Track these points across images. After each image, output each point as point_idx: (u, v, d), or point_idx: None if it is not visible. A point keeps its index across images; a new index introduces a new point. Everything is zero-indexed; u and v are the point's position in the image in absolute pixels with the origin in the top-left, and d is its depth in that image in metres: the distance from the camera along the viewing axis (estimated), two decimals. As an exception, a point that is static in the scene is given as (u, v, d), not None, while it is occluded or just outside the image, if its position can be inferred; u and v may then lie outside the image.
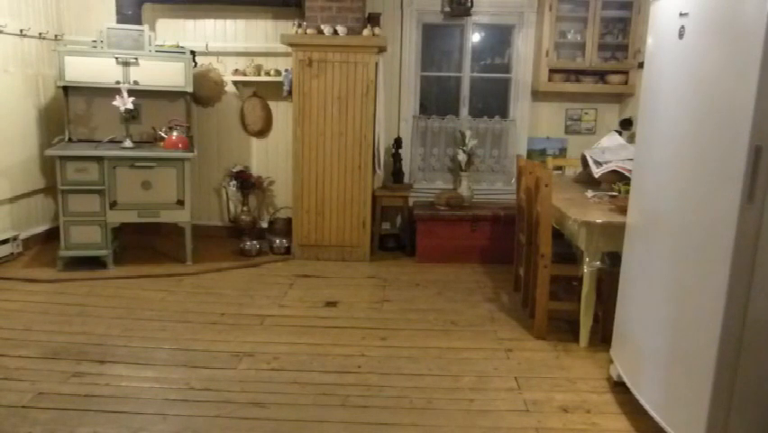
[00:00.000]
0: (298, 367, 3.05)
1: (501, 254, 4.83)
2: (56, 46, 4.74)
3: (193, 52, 4.84)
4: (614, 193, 3.56)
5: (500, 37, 5.43)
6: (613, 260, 3.18)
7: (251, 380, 2.91)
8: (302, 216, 4.87)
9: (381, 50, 4.75)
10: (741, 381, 2.03)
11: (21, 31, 4.58)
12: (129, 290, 4.08)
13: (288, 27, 4.92)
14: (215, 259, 4.80)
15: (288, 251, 4.98)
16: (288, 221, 5.06)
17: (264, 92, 5.25)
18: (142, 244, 5.08)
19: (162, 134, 4.62)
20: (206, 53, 5.18)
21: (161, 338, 3.34)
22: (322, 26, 4.64)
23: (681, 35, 2.30)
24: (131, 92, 4.44)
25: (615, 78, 5.06)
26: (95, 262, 4.42)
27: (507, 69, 5.39)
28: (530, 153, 5.36)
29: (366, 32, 4.66)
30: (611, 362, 2.92)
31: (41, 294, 3.96)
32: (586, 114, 5.37)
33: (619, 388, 2.80)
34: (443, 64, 5.53)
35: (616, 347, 2.90)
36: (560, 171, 5.04)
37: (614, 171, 3.73)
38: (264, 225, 5.41)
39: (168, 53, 4.71)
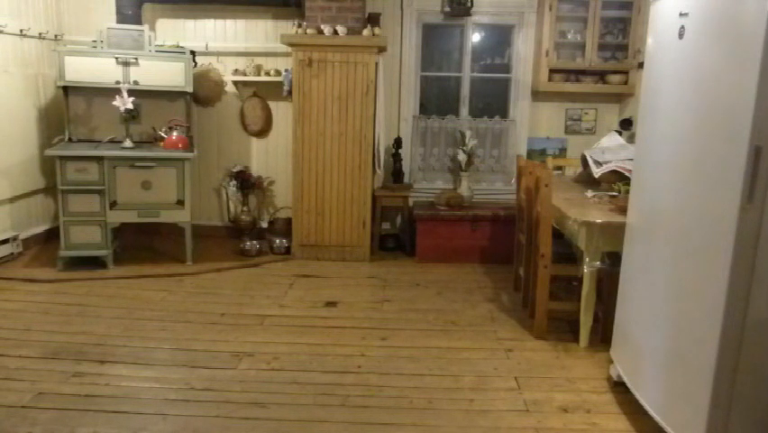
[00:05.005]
0: (298, 367, 3.05)
1: (501, 254, 4.83)
2: (56, 46, 4.75)
3: (193, 52, 4.84)
4: (614, 193, 3.56)
5: (500, 37, 5.42)
6: (613, 260, 3.18)
7: (251, 380, 2.91)
8: (302, 216, 4.87)
9: (381, 50, 4.75)
10: (741, 381, 2.03)
11: (21, 31, 4.59)
12: (129, 290, 4.08)
13: (288, 27, 4.93)
14: (215, 259, 4.80)
15: (288, 251, 4.98)
16: (288, 221, 5.06)
17: (264, 92, 5.25)
18: (142, 244, 5.09)
19: (162, 134, 4.62)
20: (206, 53, 5.18)
21: (161, 338, 3.34)
22: (322, 26, 4.64)
23: (681, 35, 2.30)
24: (131, 92, 4.44)
25: (615, 78, 5.06)
26: (95, 262, 4.42)
27: (507, 69, 5.39)
28: (530, 153, 5.36)
29: (366, 32, 4.66)
30: (611, 362, 2.92)
31: (41, 294, 3.96)
32: (586, 114, 5.37)
33: (619, 388, 2.80)
34: (443, 64, 5.52)
35: (616, 347, 2.90)
36: (560, 171, 5.04)
37: (614, 171, 3.73)
38: (264, 225, 5.41)
39: (168, 53, 4.71)
